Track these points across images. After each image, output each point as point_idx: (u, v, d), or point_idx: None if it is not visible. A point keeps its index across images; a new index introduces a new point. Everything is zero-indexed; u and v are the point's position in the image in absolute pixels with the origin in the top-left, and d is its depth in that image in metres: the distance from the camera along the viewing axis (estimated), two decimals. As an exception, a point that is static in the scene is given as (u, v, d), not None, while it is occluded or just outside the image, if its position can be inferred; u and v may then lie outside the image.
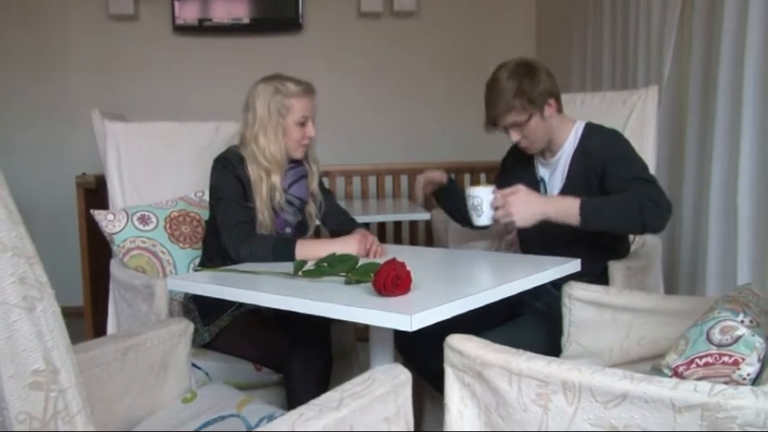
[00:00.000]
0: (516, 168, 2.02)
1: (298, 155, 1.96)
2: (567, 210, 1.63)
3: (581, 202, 1.62)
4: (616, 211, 1.63)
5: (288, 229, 2.00)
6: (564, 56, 3.89)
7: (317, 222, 2.12)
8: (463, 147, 4.12)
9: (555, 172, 1.90)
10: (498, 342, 1.17)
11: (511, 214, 1.62)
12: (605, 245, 1.90)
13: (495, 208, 1.67)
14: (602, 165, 1.76)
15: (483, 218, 1.72)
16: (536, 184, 1.92)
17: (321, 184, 2.11)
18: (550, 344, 1.62)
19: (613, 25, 3.27)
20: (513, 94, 1.77)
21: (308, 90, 1.93)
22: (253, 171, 1.89)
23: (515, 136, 1.84)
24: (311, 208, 2.06)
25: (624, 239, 2.01)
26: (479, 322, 1.44)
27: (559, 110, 1.88)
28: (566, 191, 1.84)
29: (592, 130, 1.87)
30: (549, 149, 1.92)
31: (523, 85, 1.77)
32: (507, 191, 1.64)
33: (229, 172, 1.88)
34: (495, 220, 1.71)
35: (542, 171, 1.96)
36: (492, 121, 1.85)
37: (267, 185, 1.90)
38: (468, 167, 3.71)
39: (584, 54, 3.64)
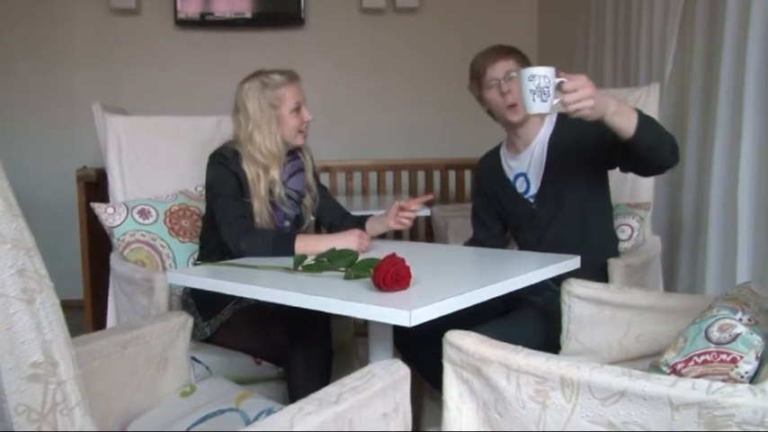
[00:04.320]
0: (492, 181, 2.04)
1: (299, 141, 1.97)
2: (627, 112, 1.51)
3: (638, 111, 1.53)
4: (660, 129, 1.59)
5: (287, 223, 2.00)
6: (566, 53, 3.88)
7: (313, 218, 2.12)
8: (465, 143, 4.12)
9: (531, 159, 1.92)
10: (495, 336, 1.16)
11: (588, 98, 1.41)
12: (602, 243, 1.90)
13: (562, 92, 1.44)
14: (592, 124, 1.63)
15: (548, 103, 1.46)
16: (514, 189, 1.95)
17: (316, 177, 2.11)
18: (548, 338, 1.62)
19: (615, 23, 3.27)
20: (517, 49, 1.93)
21: (293, 77, 1.94)
22: (250, 170, 1.89)
23: (507, 86, 1.85)
24: (307, 200, 2.06)
25: (616, 238, 2.04)
26: (476, 317, 1.43)
27: None
28: (548, 173, 1.88)
29: (563, 114, 1.86)
30: (522, 139, 1.94)
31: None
32: (573, 75, 1.45)
33: (225, 168, 1.88)
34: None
35: (516, 166, 1.96)
36: (485, 67, 1.89)
37: (265, 182, 1.90)
38: (470, 164, 3.70)
39: (586, 51, 3.63)
